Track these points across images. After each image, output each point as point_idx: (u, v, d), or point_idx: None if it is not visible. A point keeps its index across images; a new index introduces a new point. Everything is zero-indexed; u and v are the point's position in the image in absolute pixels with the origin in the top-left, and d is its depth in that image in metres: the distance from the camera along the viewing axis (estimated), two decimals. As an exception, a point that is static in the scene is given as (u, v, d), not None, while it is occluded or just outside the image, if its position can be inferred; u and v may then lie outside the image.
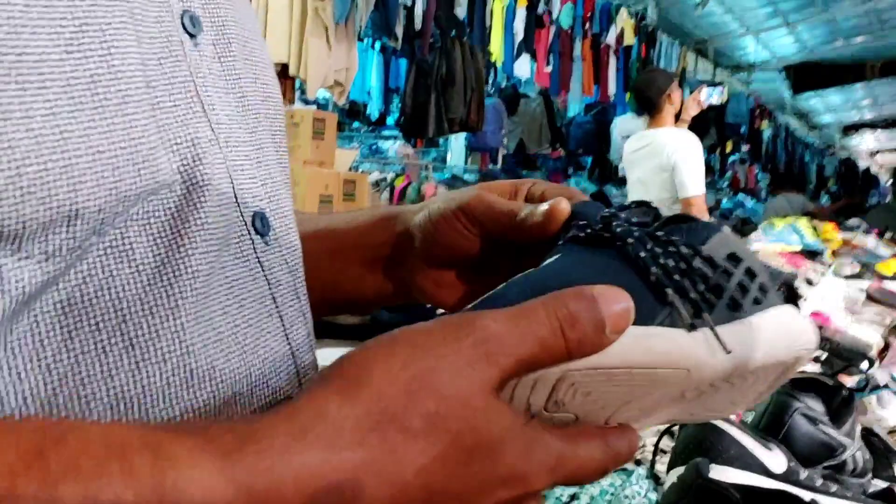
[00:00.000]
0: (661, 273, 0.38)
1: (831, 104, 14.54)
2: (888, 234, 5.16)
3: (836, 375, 1.46)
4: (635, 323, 0.36)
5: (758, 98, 11.03)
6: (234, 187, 0.41)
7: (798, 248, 2.67)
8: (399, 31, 5.20)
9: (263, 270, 0.42)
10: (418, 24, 5.27)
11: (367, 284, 0.56)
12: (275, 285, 0.43)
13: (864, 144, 18.61)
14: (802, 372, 0.91)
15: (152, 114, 0.35)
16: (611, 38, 7.50)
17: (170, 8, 0.39)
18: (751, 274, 0.40)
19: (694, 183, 3.26)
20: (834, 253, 4.22)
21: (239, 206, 0.41)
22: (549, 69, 6.89)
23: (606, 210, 0.45)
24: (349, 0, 4.78)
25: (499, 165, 7.46)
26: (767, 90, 12.40)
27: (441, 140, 7.56)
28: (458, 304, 0.52)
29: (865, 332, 1.95)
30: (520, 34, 6.34)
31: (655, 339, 0.36)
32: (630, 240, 0.40)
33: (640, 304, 0.36)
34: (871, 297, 2.31)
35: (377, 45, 6.39)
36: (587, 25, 7.24)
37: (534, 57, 6.59)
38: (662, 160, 3.45)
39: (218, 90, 0.41)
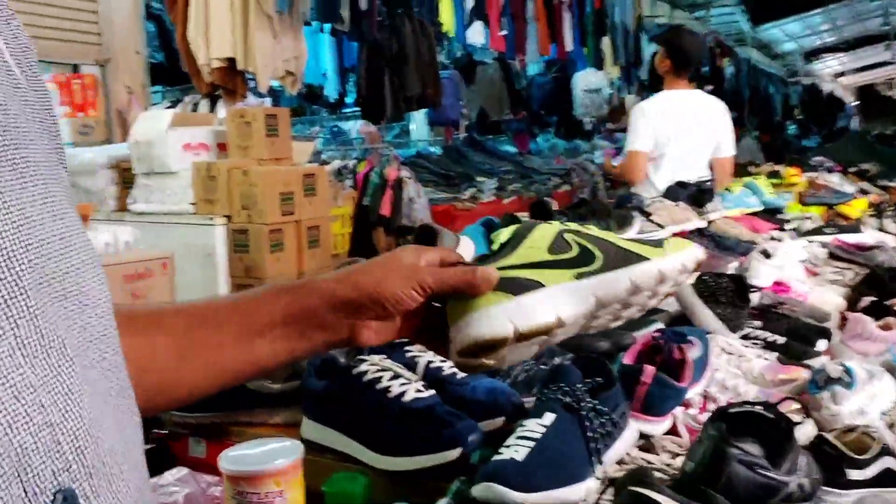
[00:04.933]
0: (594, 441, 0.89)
1: (791, 32, 14.49)
2: (853, 168, 5.18)
3: (796, 360, 1.47)
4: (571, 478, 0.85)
5: (717, 36, 10.95)
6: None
7: (758, 208, 2.67)
8: (346, 13, 5.09)
9: None
10: (364, 5, 5.16)
11: (265, 351, 0.65)
12: None
13: (828, 69, 18.63)
14: (743, 404, 0.90)
15: None
16: (563, -6, 7.39)
17: None
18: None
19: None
20: (800, 197, 4.23)
21: (23, 482, 0.34)
22: (503, 33, 6.79)
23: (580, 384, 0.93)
24: (290, -12, 4.67)
25: (461, 135, 7.39)
26: (726, 25, 12.32)
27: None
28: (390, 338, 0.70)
29: (826, 296, 1.95)
30: (470, 2, 6.23)
31: None
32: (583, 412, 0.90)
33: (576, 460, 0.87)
34: (832, 255, 2.31)
35: (326, 27, 6.26)
36: (538, -17, 7.13)
37: (486, 23, 6.49)
38: (715, 125, 3.68)
39: None
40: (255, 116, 4.27)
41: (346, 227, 5.06)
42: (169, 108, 5.76)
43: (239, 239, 4.19)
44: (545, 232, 0.74)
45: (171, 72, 6.34)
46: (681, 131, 3.54)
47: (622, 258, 0.72)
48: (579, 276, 0.70)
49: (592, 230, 0.76)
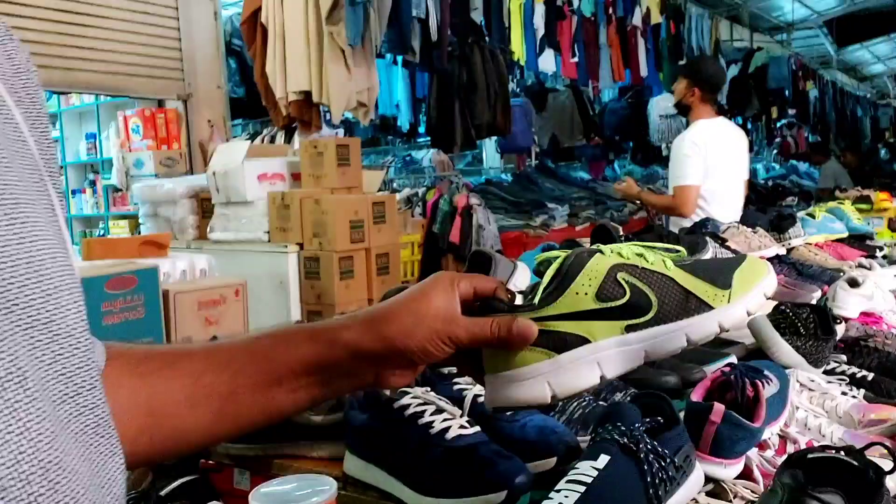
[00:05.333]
0: (654, 486, 0.80)
1: (880, 53, 13.92)
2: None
3: (887, 398, 1.34)
4: None
5: (799, 59, 10.61)
6: None
7: (844, 234, 2.51)
8: (416, 44, 5.13)
9: None
10: (434, 35, 5.20)
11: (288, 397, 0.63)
12: None
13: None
14: (824, 448, 0.81)
15: None
16: (637, 20, 7.29)
17: None
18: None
19: None
20: (891, 223, 3.99)
21: None
22: (574, 60, 6.74)
23: (638, 424, 0.83)
24: (361, 22, 4.74)
25: (533, 162, 7.33)
26: (809, 48, 11.93)
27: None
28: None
29: (922, 330, 1.80)
30: (541, 29, 6.21)
31: None
32: (642, 455, 0.80)
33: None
34: (928, 284, 2.14)
35: (399, 58, 6.34)
36: (610, 10, 7.06)
37: (557, 50, 6.45)
38: (745, 151, 3.74)
39: None
40: (327, 146, 4.33)
41: (416, 254, 5.06)
42: (248, 140, 5.92)
43: (310, 266, 4.24)
44: (596, 270, 0.66)
45: (250, 106, 6.54)
46: (727, 160, 3.58)
47: (680, 305, 0.65)
48: (630, 329, 0.64)
49: (651, 260, 0.68)
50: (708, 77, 3.64)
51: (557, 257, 0.69)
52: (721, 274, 0.68)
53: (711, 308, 0.65)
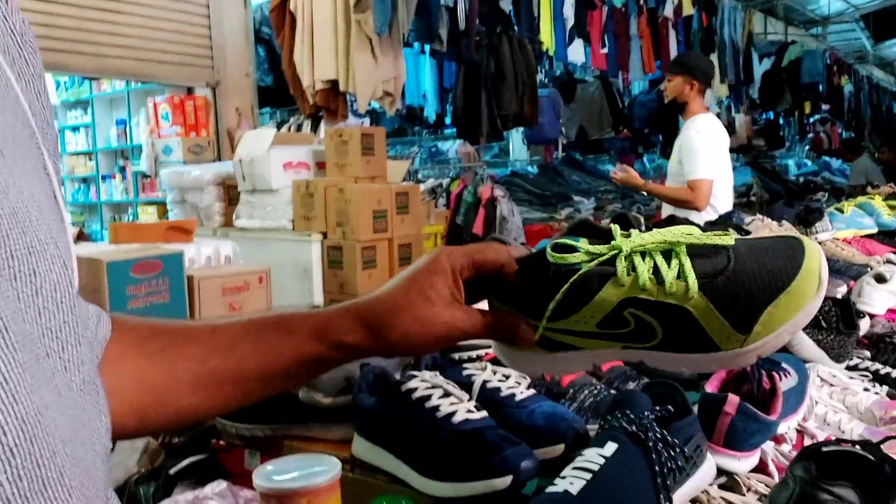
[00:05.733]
0: (662, 476, 0.80)
1: (919, 48, 13.60)
2: None
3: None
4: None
5: (834, 53, 10.40)
6: None
7: (873, 230, 2.45)
8: (443, 33, 5.11)
9: None
10: (462, 24, 5.18)
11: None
12: None
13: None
14: (839, 442, 0.79)
15: None
16: (668, 11, 7.20)
17: None
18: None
19: None
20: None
21: None
22: (604, 51, 6.67)
23: (648, 412, 0.84)
24: (389, 10, 4.73)
25: (560, 156, 7.28)
26: (845, 43, 11.70)
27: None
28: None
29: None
30: (570, 19, 6.15)
31: None
32: (650, 443, 0.81)
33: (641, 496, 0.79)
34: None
35: (427, 48, 6.32)
36: (642, 1, 6.98)
37: (587, 41, 6.39)
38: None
39: None
40: (352, 135, 4.33)
41: (439, 245, 5.05)
42: (274, 128, 5.94)
43: (334, 255, 4.25)
44: (602, 305, 0.60)
45: (278, 94, 6.56)
46: (724, 154, 3.66)
47: (685, 341, 0.59)
48: (627, 348, 0.63)
49: (670, 284, 0.59)
50: (703, 70, 3.69)
51: (575, 253, 0.62)
52: (752, 307, 0.59)
53: (718, 350, 0.59)
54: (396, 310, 0.61)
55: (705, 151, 3.46)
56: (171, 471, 1.01)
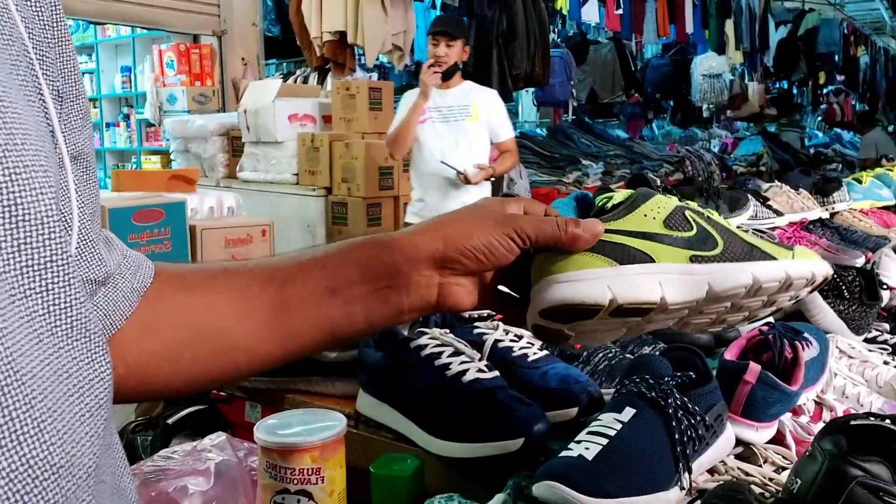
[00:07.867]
0: (682, 444, 0.76)
1: (938, 21, 13.35)
2: None
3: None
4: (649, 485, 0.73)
5: (852, 23, 10.20)
6: None
7: (891, 201, 2.40)
8: (456, -13, 5.00)
9: None
10: (475, -21, 5.06)
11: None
12: None
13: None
14: (867, 416, 0.75)
15: None
16: (686, -27, 7.04)
17: None
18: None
19: None
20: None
21: None
22: (619, 12, 6.54)
23: (668, 378, 0.80)
24: (401, -39, 4.61)
25: (569, 117, 7.18)
26: (863, 13, 11.46)
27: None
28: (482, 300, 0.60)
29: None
30: (586, -22, 6.02)
31: None
32: (670, 410, 0.77)
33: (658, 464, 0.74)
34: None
35: (438, 2, 6.19)
36: (659, -39, 6.82)
37: (602, 1, 6.25)
38: None
39: None
40: (360, 89, 4.25)
41: (445, 204, 4.99)
42: (280, 79, 5.84)
43: (338, 211, 4.20)
44: (663, 203, 0.63)
45: (285, 45, 6.43)
46: None
47: (745, 251, 0.62)
48: (695, 259, 0.60)
49: (714, 215, 0.66)
50: None
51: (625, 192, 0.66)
52: (783, 245, 0.66)
53: (776, 259, 0.62)
54: (452, 214, 0.59)
55: None
56: (170, 420, 0.98)
